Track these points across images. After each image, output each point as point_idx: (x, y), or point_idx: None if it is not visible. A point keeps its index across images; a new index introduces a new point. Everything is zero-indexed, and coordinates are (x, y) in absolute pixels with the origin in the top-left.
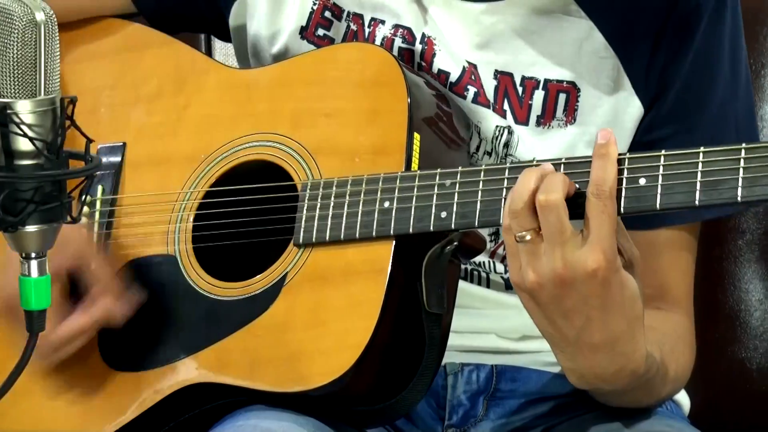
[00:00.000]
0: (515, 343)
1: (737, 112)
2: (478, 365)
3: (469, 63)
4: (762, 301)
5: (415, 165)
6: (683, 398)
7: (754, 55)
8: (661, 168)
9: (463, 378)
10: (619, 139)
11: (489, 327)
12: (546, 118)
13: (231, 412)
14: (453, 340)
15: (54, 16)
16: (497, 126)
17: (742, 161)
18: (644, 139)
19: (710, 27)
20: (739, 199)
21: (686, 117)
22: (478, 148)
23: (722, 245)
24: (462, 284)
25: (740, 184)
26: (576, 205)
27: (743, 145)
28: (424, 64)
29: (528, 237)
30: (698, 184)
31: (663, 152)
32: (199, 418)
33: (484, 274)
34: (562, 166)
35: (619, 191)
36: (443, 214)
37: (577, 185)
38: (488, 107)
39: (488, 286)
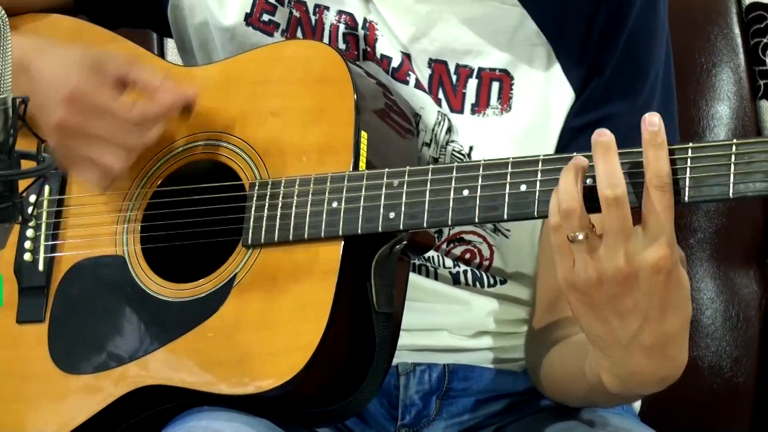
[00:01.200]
0: (468, 340)
1: (658, 101)
2: (430, 365)
3: (403, 53)
4: (713, 300)
5: (363, 164)
6: None
7: (705, 54)
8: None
9: (416, 378)
10: (552, 125)
11: (440, 323)
12: (480, 106)
13: (181, 413)
14: (404, 339)
15: (6, 16)
16: (439, 111)
17: (689, 161)
18: (574, 124)
19: (643, 13)
20: (686, 199)
21: (618, 101)
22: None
23: None
24: (412, 277)
25: (687, 184)
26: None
27: (689, 144)
28: (368, 49)
29: (581, 236)
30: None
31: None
32: (150, 420)
33: (432, 269)
34: (510, 165)
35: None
36: (392, 215)
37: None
38: (428, 93)
39: (436, 279)
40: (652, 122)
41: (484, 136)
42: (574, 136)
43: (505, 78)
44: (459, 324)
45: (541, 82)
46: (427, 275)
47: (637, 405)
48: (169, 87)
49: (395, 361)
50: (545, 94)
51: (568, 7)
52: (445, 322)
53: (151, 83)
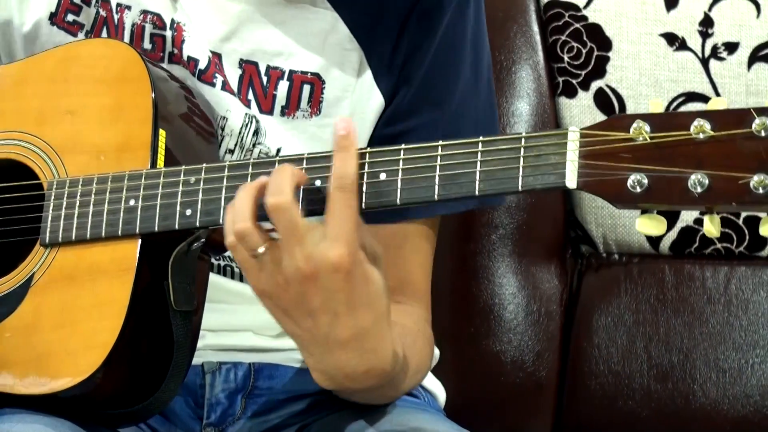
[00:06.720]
0: (272, 340)
1: (477, 110)
2: (236, 363)
3: (212, 53)
4: (515, 295)
5: (161, 162)
6: (439, 390)
7: (505, 52)
8: (401, 162)
9: (221, 377)
10: (362, 132)
11: (245, 324)
12: (290, 109)
13: None
14: (210, 338)
15: None
16: (246, 114)
17: (479, 155)
18: (384, 132)
19: (452, 23)
20: (476, 192)
21: (426, 111)
22: (220, 145)
23: (476, 240)
24: (216, 279)
25: (477, 178)
26: (314, 201)
27: (480, 138)
28: (176, 51)
29: (261, 250)
30: (437, 178)
31: (402, 146)
32: None
33: (237, 270)
34: (305, 161)
35: (360, 186)
36: (188, 212)
37: (318, 181)
38: (235, 96)
39: (241, 281)
40: (343, 126)
41: (293, 138)
42: (383, 145)
43: (316, 81)
44: (263, 324)
45: (353, 88)
46: (232, 276)
47: (442, 400)
48: None
49: (201, 360)
50: (356, 101)
51: (380, 14)
52: (250, 323)
53: None
